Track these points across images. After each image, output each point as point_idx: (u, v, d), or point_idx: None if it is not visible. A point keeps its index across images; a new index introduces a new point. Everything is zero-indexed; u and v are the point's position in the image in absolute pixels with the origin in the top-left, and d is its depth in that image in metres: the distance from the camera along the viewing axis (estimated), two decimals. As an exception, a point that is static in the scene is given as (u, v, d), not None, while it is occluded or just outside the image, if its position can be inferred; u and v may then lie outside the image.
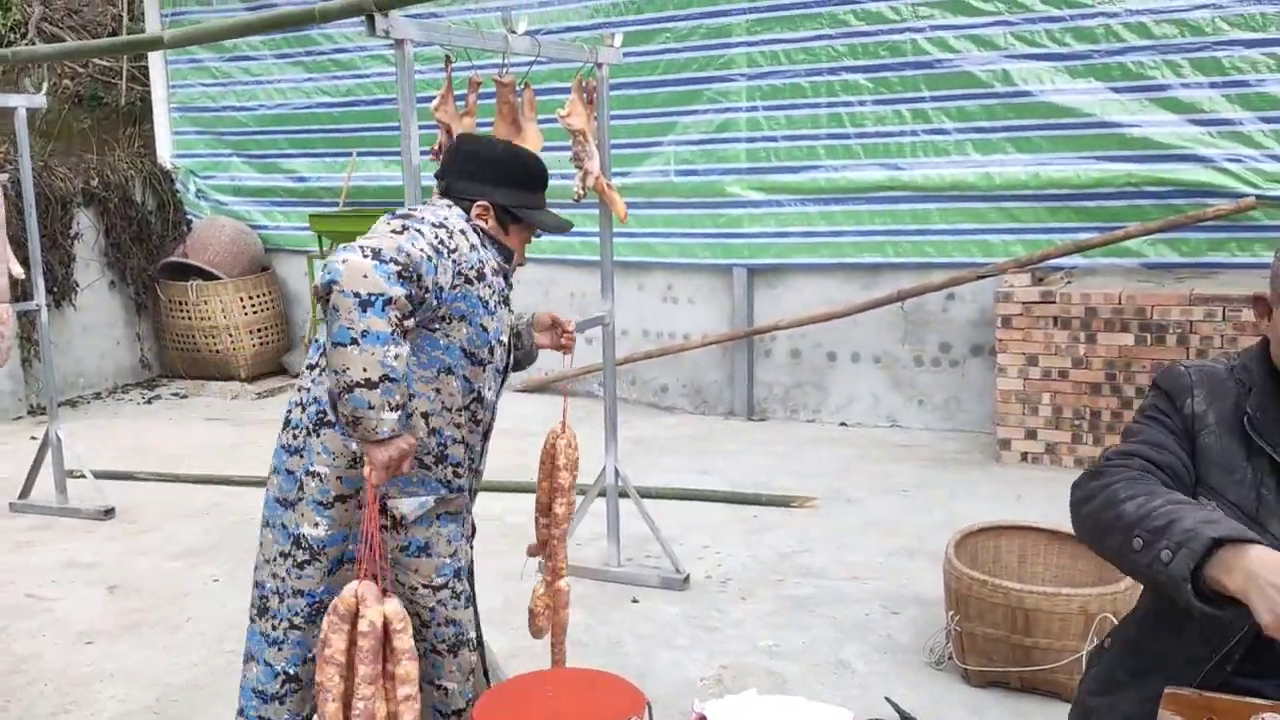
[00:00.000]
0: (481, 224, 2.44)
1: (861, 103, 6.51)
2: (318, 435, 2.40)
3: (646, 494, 4.74)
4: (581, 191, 3.98)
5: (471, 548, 2.65)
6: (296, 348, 8.74)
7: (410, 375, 2.30)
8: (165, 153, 8.86)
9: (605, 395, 4.38)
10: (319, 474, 2.40)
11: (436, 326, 2.31)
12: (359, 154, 8.13)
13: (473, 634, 2.56)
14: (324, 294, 2.06)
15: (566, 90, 3.96)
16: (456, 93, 3.61)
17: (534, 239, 2.64)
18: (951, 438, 6.38)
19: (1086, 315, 5.49)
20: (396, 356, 2.07)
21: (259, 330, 8.38)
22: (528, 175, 2.50)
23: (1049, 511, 4.62)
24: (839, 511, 5.09)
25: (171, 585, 4.42)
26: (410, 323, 2.12)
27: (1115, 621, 2.73)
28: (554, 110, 4.00)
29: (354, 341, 2.03)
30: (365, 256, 2.05)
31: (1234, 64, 5.69)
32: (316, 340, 2.47)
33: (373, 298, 2.03)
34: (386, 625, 2.12)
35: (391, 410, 2.09)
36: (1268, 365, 1.75)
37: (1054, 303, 5.56)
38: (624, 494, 4.33)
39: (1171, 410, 1.78)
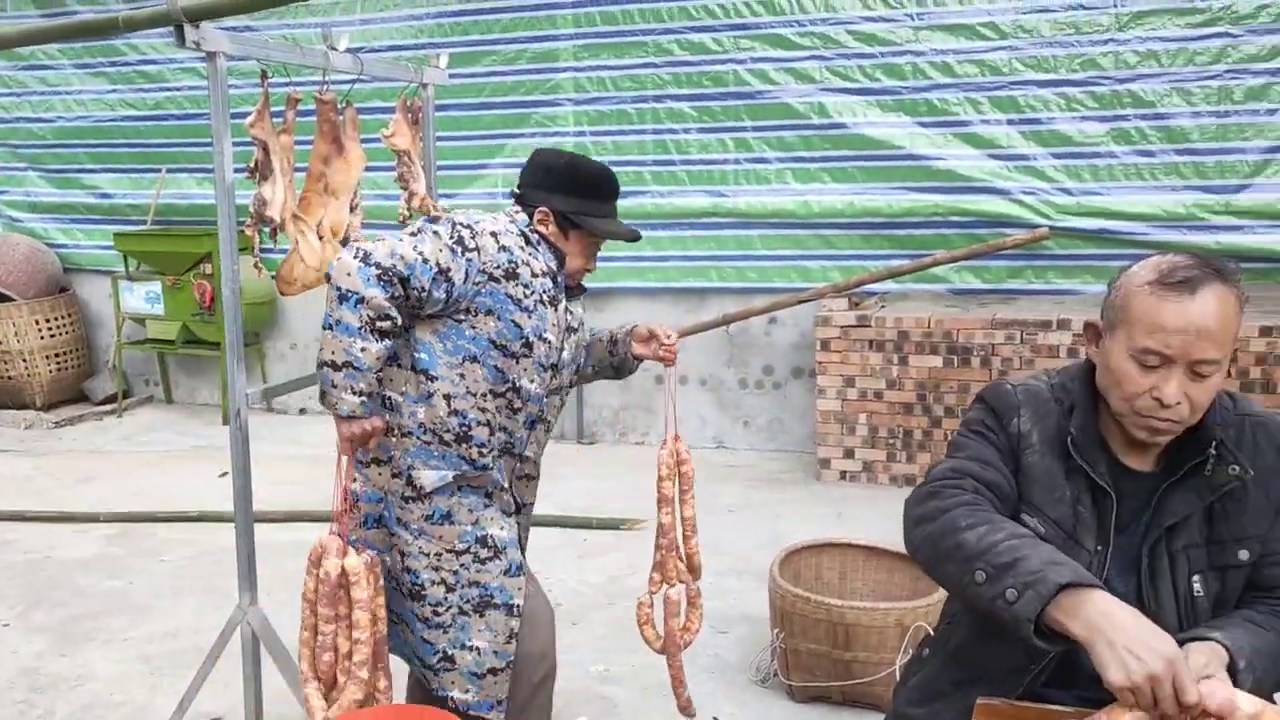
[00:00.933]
0: (541, 228, 2.59)
1: (686, 130, 6.64)
2: None
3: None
4: (406, 213, 3.90)
5: (520, 525, 2.74)
6: (100, 373, 8.24)
7: (436, 360, 2.48)
8: (-50, 165, 8.24)
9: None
10: None
11: (463, 318, 2.47)
12: (169, 170, 7.76)
13: (505, 600, 2.59)
14: (327, 281, 2.38)
15: (390, 110, 3.88)
16: (274, 109, 3.48)
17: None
18: (775, 458, 6.54)
19: (899, 338, 5.73)
20: (363, 350, 2.33)
21: (57, 355, 7.86)
22: (588, 184, 2.60)
23: (868, 528, 4.79)
24: (667, 533, 5.13)
25: (-46, 633, 4.08)
26: (387, 324, 2.35)
27: (930, 631, 2.83)
28: (378, 130, 3.92)
29: (329, 327, 2.35)
30: (355, 257, 2.33)
31: (1028, 102, 6.08)
32: None
33: (349, 293, 2.32)
34: (346, 576, 2.42)
35: (353, 394, 2.37)
36: (1090, 387, 1.81)
37: (869, 326, 5.79)
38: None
39: (998, 427, 1.82)
